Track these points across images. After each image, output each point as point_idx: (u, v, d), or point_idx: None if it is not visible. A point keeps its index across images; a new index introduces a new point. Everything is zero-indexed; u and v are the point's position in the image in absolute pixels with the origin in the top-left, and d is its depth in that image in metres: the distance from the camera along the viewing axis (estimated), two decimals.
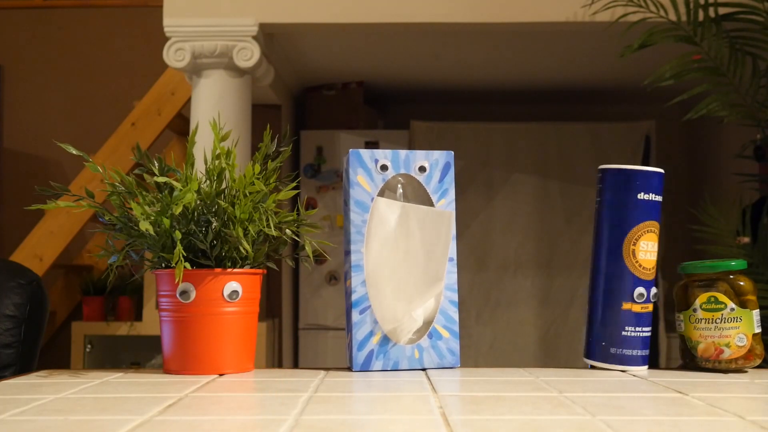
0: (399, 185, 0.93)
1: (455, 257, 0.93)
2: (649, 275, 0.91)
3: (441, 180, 0.93)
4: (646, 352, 0.91)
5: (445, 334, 0.92)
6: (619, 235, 0.90)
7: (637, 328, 0.90)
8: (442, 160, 0.94)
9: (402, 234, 0.91)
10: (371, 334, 0.89)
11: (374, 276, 0.90)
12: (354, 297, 0.89)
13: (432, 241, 0.92)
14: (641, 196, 0.90)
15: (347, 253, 0.91)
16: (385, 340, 0.89)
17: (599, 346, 0.91)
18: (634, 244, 0.90)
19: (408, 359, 0.90)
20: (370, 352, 0.89)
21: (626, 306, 0.90)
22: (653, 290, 0.91)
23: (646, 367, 0.91)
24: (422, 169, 0.93)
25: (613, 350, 0.90)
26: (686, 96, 2.42)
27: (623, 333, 0.90)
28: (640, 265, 0.90)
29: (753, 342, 0.88)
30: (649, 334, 0.91)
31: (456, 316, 0.92)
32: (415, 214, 0.92)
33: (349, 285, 0.90)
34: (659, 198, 0.91)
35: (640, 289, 0.90)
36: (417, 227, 0.91)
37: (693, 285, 0.90)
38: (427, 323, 0.91)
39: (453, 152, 0.95)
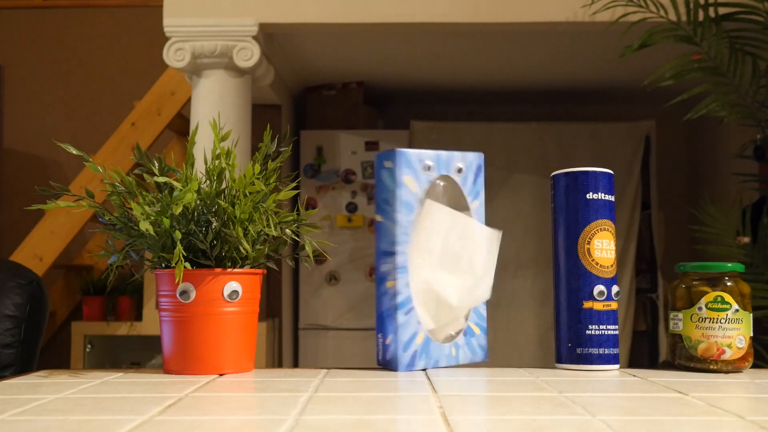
0: (439, 187, 0.94)
1: None
2: (608, 273, 0.92)
3: (474, 182, 0.96)
4: (615, 351, 0.91)
5: (477, 330, 0.94)
6: (573, 235, 0.92)
7: (602, 326, 0.91)
8: (475, 161, 0.96)
9: (449, 239, 0.92)
10: (415, 334, 0.89)
11: (419, 277, 0.90)
12: (399, 298, 0.89)
13: (478, 254, 0.93)
14: (590, 195, 0.92)
15: (389, 254, 0.90)
16: (427, 340, 0.90)
17: (566, 348, 0.92)
18: (589, 243, 0.91)
19: (446, 357, 0.92)
20: (414, 353, 0.89)
21: (587, 305, 0.91)
22: (615, 288, 0.92)
23: (617, 366, 0.92)
24: (460, 170, 0.94)
25: (579, 350, 0.91)
26: (686, 96, 2.42)
27: (587, 332, 0.91)
28: (597, 264, 0.91)
29: (748, 344, 0.88)
30: (616, 332, 0.92)
31: (485, 312, 0.96)
32: (463, 223, 0.93)
33: (392, 286, 0.89)
34: (610, 197, 0.93)
35: (599, 287, 0.91)
36: (464, 236, 0.93)
37: (698, 284, 0.90)
38: (465, 320, 0.95)
39: (483, 154, 0.97)
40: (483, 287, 0.94)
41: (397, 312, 0.89)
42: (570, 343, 0.91)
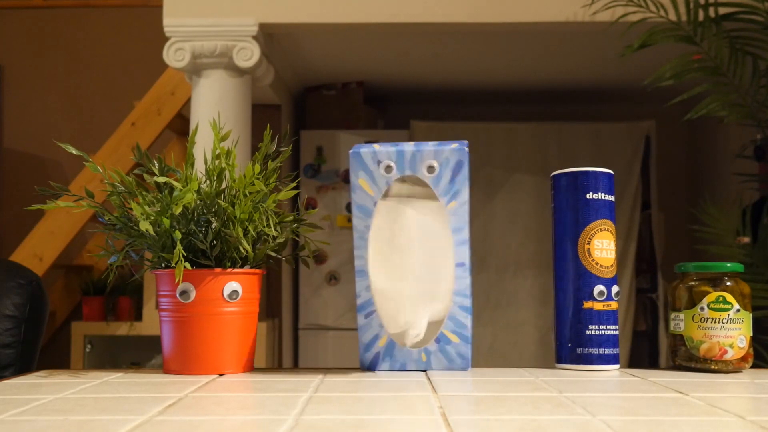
0: (404, 189, 0.88)
1: (467, 262, 0.88)
2: (608, 273, 0.92)
3: (452, 180, 0.86)
4: (615, 351, 0.92)
5: (454, 339, 0.89)
6: (573, 235, 0.92)
7: (602, 327, 0.91)
8: (454, 157, 0.85)
9: (403, 239, 0.88)
10: (377, 337, 0.89)
11: (377, 281, 0.88)
12: (359, 301, 0.88)
13: (432, 243, 0.88)
14: (590, 195, 0.92)
15: (355, 257, 0.90)
16: (392, 343, 0.89)
17: (566, 349, 0.92)
18: (589, 243, 0.91)
19: (415, 362, 0.89)
20: (377, 355, 0.89)
21: (587, 305, 0.91)
22: (615, 288, 0.92)
23: (618, 366, 0.92)
24: (431, 169, 0.86)
25: (579, 350, 0.91)
26: (686, 96, 2.42)
27: (587, 332, 0.91)
28: (597, 264, 0.91)
29: (749, 345, 0.88)
30: (616, 332, 0.92)
31: (467, 322, 0.89)
32: (413, 216, 0.87)
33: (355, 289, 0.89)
34: (610, 197, 0.93)
35: (599, 287, 0.91)
36: (417, 230, 0.88)
37: (699, 284, 0.90)
38: (436, 327, 0.90)
39: (466, 145, 0.87)
40: (442, 276, 0.88)
41: (358, 314, 0.89)
42: (570, 343, 0.91)
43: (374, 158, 0.86)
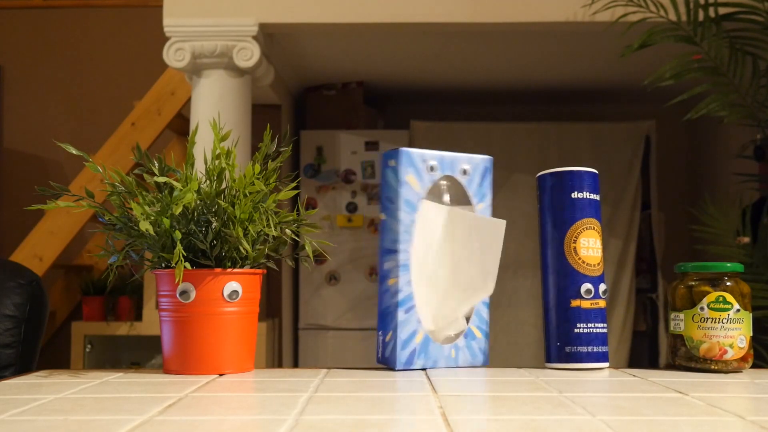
0: (443, 187, 0.95)
1: None
2: (595, 271, 0.92)
3: (481, 184, 0.97)
4: (604, 349, 0.92)
5: (478, 334, 0.95)
6: (559, 234, 0.93)
7: (589, 325, 0.91)
8: (482, 164, 0.97)
9: (449, 238, 0.93)
10: (414, 333, 0.90)
11: (420, 277, 0.91)
12: (401, 296, 0.89)
13: (479, 248, 0.93)
14: (575, 195, 0.93)
15: (391, 251, 0.91)
16: (427, 339, 0.91)
17: (555, 347, 0.92)
18: (575, 242, 0.92)
19: (446, 358, 0.92)
20: (413, 351, 0.90)
21: (575, 303, 0.91)
22: (602, 286, 0.92)
23: (607, 364, 0.92)
24: (465, 171, 0.95)
25: (568, 349, 0.91)
26: (686, 96, 2.42)
27: (575, 330, 0.91)
28: (583, 262, 0.92)
29: (749, 344, 0.88)
30: (604, 330, 0.92)
31: (487, 317, 0.96)
32: (463, 220, 0.93)
33: (394, 284, 0.90)
34: (595, 196, 0.94)
35: (587, 285, 0.91)
36: (465, 233, 0.93)
37: (699, 284, 0.90)
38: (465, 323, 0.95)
39: (492, 157, 0.98)
40: (487, 283, 0.93)
41: (398, 309, 0.89)
42: (558, 342, 0.92)
43: (421, 157, 0.92)
